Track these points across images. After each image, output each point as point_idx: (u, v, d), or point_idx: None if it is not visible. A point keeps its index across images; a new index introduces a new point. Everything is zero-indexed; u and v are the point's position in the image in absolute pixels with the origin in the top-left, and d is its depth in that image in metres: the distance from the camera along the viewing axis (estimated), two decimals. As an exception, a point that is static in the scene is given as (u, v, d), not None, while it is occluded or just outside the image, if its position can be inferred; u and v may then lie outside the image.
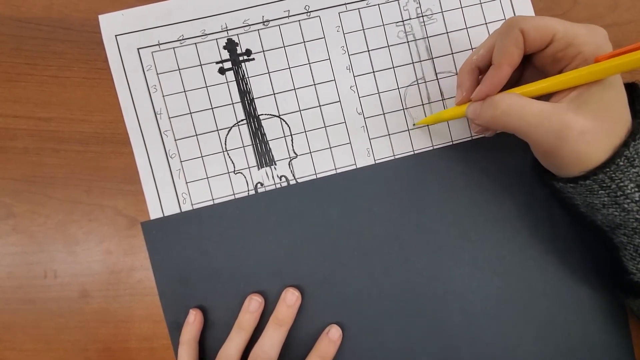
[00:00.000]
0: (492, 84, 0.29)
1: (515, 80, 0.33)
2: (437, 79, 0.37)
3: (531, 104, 0.28)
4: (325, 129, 0.37)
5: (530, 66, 0.31)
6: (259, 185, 0.37)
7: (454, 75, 0.37)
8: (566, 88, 0.28)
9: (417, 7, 0.38)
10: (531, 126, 0.28)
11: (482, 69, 0.32)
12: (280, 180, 0.37)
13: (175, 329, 0.35)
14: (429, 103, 0.37)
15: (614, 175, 0.27)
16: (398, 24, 0.37)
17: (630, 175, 0.27)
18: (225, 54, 0.37)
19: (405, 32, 0.37)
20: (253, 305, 0.35)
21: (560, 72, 0.29)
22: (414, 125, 0.37)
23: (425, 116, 0.37)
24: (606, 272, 0.36)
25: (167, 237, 0.36)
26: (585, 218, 0.32)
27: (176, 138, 0.36)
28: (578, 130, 0.27)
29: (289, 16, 0.37)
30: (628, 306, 0.35)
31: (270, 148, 0.37)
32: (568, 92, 0.28)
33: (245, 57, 0.37)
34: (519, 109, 0.28)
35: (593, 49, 0.27)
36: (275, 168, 0.37)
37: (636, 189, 0.27)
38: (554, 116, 0.27)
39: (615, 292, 0.35)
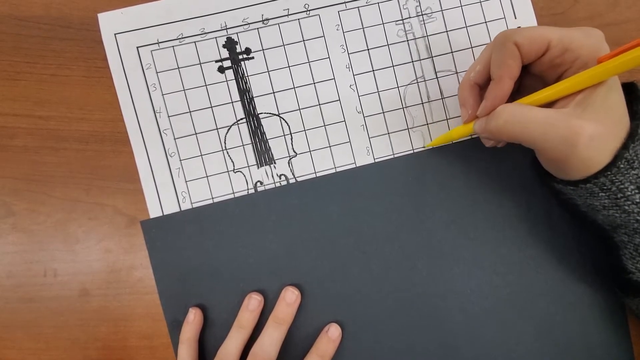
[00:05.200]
0: (496, 97, 0.29)
1: (515, 89, 0.32)
2: (437, 77, 0.37)
3: (534, 111, 0.27)
4: (325, 128, 0.37)
5: (528, 74, 0.31)
6: (258, 184, 0.37)
7: (454, 73, 0.37)
8: (571, 93, 0.28)
9: (417, 6, 0.37)
10: (536, 134, 0.27)
11: (481, 85, 0.32)
12: (280, 179, 0.37)
13: (175, 327, 0.35)
14: (429, 102, 0.37)
15: (614, 178, 0.27)
16: (398, 22, 0.37)
17: (630, 178, 0.27)
18: (225, 53, 0.37)
19: (405, 31, 0.37)
20: (252, 303, 0.35)
21: (559, 77, 0.29)
22: (424, 147, 0.37)
23: (424, 115, 0.37)
24: (605, 270, 0.36)
25: (167, 235, 0.36)
26: (586, 217, 0.32)
27: (175, 137, 0.36)
28: (588, 135, 0.26)
29: (288, 15, 0.37)
30: (627, 305, 0.35)
31: (269, 147, 0.37)
32: (572, 98, 0.28)
33: (245, 56, 0.37)
34: (522, 116, 0.27)
35: (590, 51, 0.27)
36: (274, 167, 0.37)
37: (636, 191, 0.27)
38: (560, 122, 0.26)
39: (615, 290, 0.35)
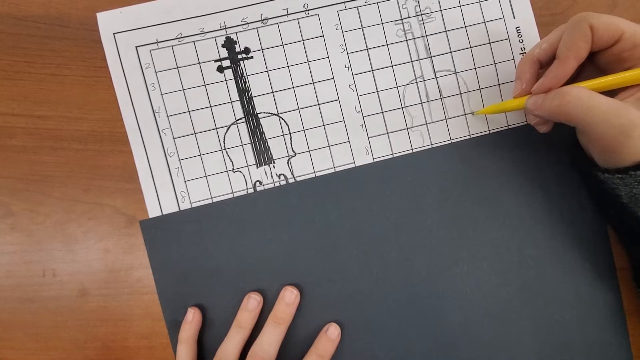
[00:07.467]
0: (556, 76, 0.29)
1: (572, 79, 0.32)
2: (436, 77, 0.37)
3: (600, 98, 0.28)
4: (324, 128, 0.37)
5: (590, 66, 0.32)
6: (257, 183, 0.37)
7: (453, 73, 0.37)
8: (633, 85, 0.29)
9: (416, 6, 0.37)
10: (597, 120, 0.28)
11: (543, 63, 0.32)
12: (279, 178, 0.37)
13: (174, 327, 0.35)
14: (428, 102, 0.37)
15: None
16: (397, 22, 0.37)
17: None
18: (224, 52, 0.37)
19: (404, 31, 0.37)
20: (252, 303, 0.35)
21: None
22: (472, 114, 0.37)
23: (424, 115, 0.37)
24: (604, 270, 0.36)
25: (166, 235, 0.36)
26: (624, 211, 0.32)
27: (175, 136, 0.36)
28: None
29: (287, 14, 0.37)
30: None
31: (269, 146, 0.37)
32: (632, 92, 0.29)
33: (244, 56, 0.37)
34: (588, 101, 0.28)
35: None
36: (274, 166, 0.37)
37: None
38: (623, 112, 0.27)
39: (635, 289, 0.35)
